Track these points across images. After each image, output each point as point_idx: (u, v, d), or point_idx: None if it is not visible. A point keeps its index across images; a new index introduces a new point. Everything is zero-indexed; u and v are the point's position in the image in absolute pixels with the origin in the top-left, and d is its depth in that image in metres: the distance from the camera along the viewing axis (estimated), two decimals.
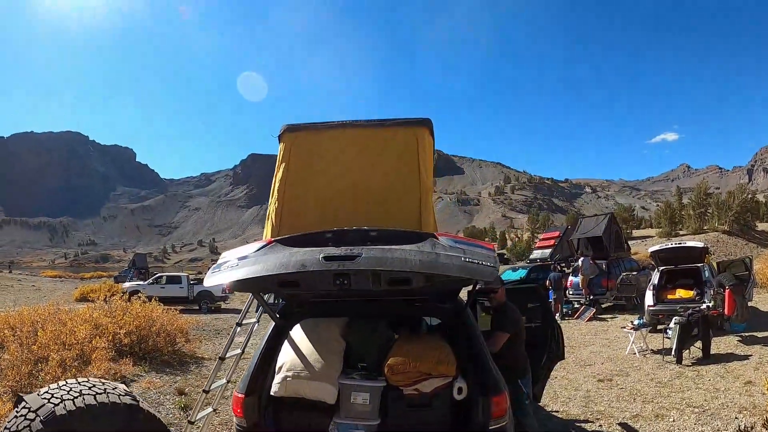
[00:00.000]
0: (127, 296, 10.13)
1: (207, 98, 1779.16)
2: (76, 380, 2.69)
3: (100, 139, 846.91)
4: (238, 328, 4.44)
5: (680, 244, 13.71)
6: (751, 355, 8.55)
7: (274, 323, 3.64)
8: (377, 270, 2.63)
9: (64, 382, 2.67)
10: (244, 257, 2.86)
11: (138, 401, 2.73)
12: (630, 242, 29.87)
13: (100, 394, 2.58)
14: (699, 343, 8.83)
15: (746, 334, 10.17)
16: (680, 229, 48.21)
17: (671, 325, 8.96)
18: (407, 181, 3.84)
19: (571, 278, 17.28)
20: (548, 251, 22.43)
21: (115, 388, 2.72)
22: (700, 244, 13.30)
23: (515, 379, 4.12)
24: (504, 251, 64.18)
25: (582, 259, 17.08)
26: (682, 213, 51.39)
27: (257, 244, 2.99)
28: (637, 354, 9.36)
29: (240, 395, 3.32)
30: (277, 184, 3.99)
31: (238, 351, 4.49)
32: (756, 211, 49.49)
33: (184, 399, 6.67)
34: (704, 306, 10.10)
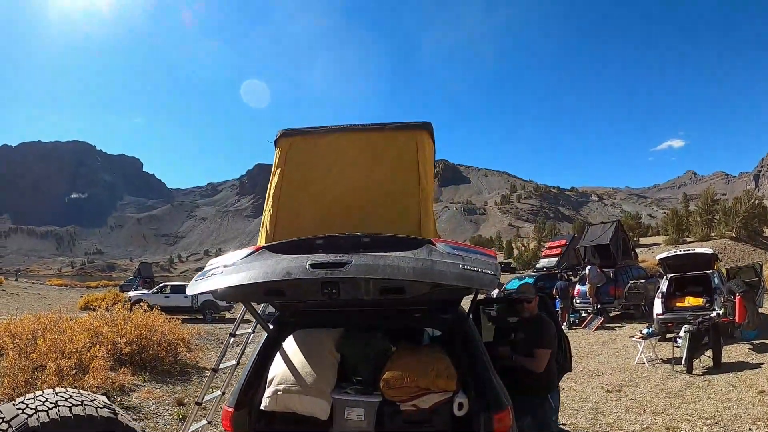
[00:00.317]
0: (128, 305, 10.07)
1: (214, 108, 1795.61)
2: (54, 391, 2.59)
3: (107, 148, 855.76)
4: (232, 339, 4.34)
5: (689, 250, 13.56)
6: (763, 363, 8.40)
7: (267, 334, 3.52)
8: (368, 278, 2.49)
9: (41, 392, 2.56)
10: (231, 264, 2.74)
11: (117, 414, 2.61)
12: (637, 250, 29.72)
13: (77, 405, 2.47)
14: (709, 352, 8.71)
15: (757, 341, 10.04)
16: (687, 236, 48.23)
17: (681, 333, 8.85)
18: (407, 186, 3.69)
19: (578, 287, 17.18)
20: (555, 260, 22.21)
21: (94, 399, 2.60)
22: (709, 251, 13.15)
23: (546, 394, 3.99)
24: (510, 260, 64.21)
25: (589, 267, 16.93)
26: (689, 220, 51.49)
27: (245, 251, 2.88)
28: (647, 364, 9.21)
29: (230, 409, 3.20)
30: (272, 190, 3.88)
31: (233, 362, 4.38)
32: (763, 216, 49.12)
33: (182, 410, 6.57)
34: (714, 313, 10.00)
